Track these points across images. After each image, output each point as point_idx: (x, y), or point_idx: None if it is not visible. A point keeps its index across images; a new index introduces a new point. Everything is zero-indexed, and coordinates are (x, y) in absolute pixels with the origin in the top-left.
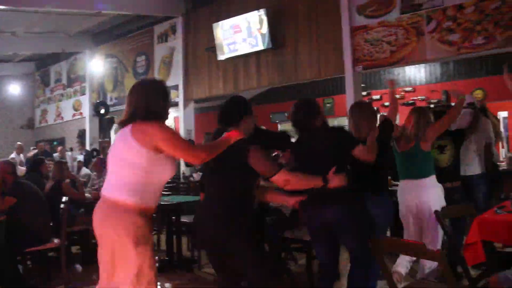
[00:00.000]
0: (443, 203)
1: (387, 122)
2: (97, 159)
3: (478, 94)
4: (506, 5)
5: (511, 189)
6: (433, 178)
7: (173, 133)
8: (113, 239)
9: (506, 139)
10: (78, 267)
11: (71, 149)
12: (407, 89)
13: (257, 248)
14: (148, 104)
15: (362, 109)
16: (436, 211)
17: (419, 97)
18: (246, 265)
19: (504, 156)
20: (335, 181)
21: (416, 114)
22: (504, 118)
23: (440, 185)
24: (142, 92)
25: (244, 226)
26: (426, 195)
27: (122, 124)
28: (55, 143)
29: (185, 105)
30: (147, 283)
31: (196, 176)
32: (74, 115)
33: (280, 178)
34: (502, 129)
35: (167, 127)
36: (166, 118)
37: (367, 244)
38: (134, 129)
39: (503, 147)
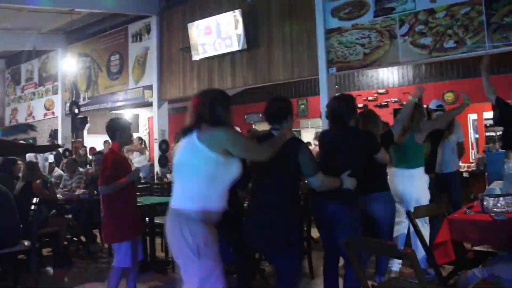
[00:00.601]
0: (427, 193)
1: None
2: (68, 160)
3: (449, 96)
4: (475, 11)
5: (480, 189)
6: (421, 170)
7: (240, 135)
8: (180, 247)
9: (475, 141)
10: (49, 270)
11: None
12: (380, 91)
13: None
14: (213, 111)
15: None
16: (408, 212)
17: (392, 99)
18: (285, 272)
19: (473, 158)
20: (347, 183)
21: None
22: (474, 120)
23: (427, 176)
24: (208, 100)
25: (298, 235)
26: (412, 184)
27: (188, 130)
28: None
29: (159, 105)
30: None
31: (170, 176)
32: (46, 114)
33: (318, 179)
34: (471, 131)
35: (234, 129)
36: (229, 126)
37: None
38: (201, 135)
39: (472, 148)
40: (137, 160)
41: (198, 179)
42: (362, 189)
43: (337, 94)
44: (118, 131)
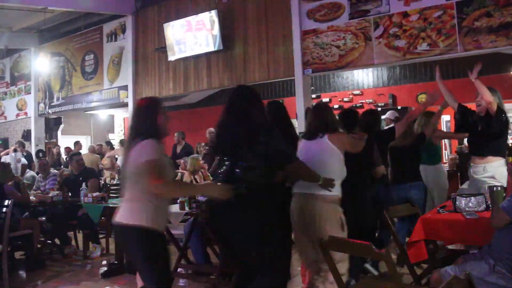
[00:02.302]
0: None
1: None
2: (41, 161)
3: (423, 98)
4: (447, 14)
5: (453, 189)
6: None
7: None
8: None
9: (448, 141)
10: (22, 274)
11: (15, 150)
12: (355, 92)
13: None
14: (330, 120)
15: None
16: (384, 211)
17: (366, 100)
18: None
19: (446, 158)
20: (324, 186)
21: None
22: (447, 121)
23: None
24: (327, 111)
25: None
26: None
27: (314, 135)
28: None
29: (135, 106)
30: None
31: None
32: (18, 115)
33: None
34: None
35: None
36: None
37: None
38: (331, 138)
39: (446, 149)
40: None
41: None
42: (404, 178)
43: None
44: None
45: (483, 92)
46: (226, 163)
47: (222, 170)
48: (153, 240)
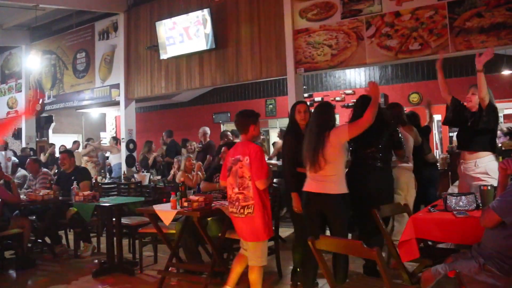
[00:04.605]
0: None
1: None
2: (30, 160)
3: (414, 97)
4: (438, 14)
5: (444, 188)
6: None
7: None
8: None
9: (439, 141)
10: (12, 273)
11: (5, 148)
12: (347, 91)
13: None
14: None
15: None
16: (374, 210)
17: None
18: None
19: (438, 157)
20: None
21: None
22: (438, 121)
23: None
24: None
25: None
26: None
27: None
28: None
29: (126, 104)
30: None
31: (138, 177)
32: (8, 113)
33: None
34: (436, 131)
35: None
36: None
37: None
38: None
39: (437, 148)
40: (111, 157)
41: None
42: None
43: None
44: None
45: (482, 86)
46: None
47: None
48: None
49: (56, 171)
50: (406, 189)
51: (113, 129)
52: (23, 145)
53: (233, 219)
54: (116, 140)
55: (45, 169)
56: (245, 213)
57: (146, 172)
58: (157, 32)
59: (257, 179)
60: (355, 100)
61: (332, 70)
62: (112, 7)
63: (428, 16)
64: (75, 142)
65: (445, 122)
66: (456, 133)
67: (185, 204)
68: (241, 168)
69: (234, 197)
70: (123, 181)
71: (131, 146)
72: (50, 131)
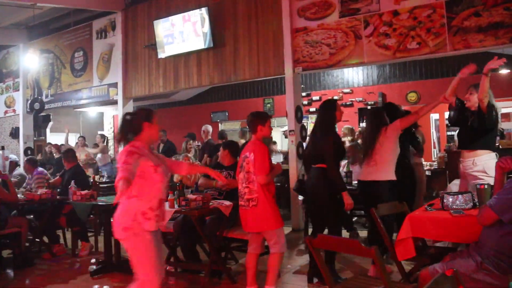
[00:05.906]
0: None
1: None
2: (26, 159)
3: (412, 96)
4: (436, 13)
5: (441, 187)
6: None
7: None
8: None
9: (437, 140)
10: (9, 272)
11: (3, 148)
12: (345, 90)
13: None
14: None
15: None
16: (371, 209)
17: (356, 99)
18: None
19: (435, 156)
20: None
21: None
22: (436, 120)
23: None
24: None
25: None
26: None
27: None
28: None
29: (124, 103)
30: None
31: None
32: (6, 112)
33: None
34: (433, 130)
35: None
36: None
37: None
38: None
39: (434, 147)
40: (98, 158)
41: None
42: None
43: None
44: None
45: (484, 88)
46: None
47: None
48: None
49: (52, 170)
50: (420, 181)
51: (111, 128)
52: (21, 144)
53: (241, 212)
54: (104, 138)
55: (40, 169)
56: (250, 206)
57: None
58: (155, 31)
59: (257, 174)
60: (353, 99)
61: (330, 69)
62: (109, 6)
63: (426, 15)
64: (80, 137)
65: (451, 123)
66: (456, 132)
67: (183, 203)
68: (247, 164)
69: (243, 191)
70: None
71: None
72: (48, 130)
